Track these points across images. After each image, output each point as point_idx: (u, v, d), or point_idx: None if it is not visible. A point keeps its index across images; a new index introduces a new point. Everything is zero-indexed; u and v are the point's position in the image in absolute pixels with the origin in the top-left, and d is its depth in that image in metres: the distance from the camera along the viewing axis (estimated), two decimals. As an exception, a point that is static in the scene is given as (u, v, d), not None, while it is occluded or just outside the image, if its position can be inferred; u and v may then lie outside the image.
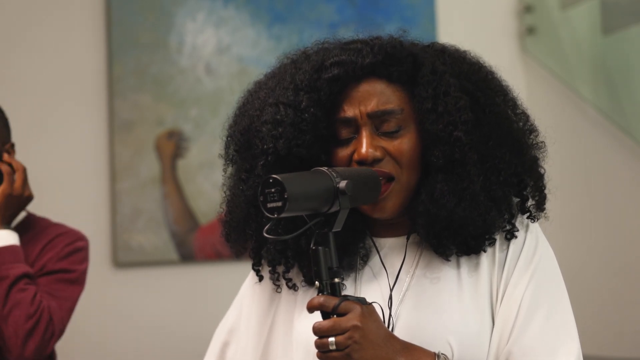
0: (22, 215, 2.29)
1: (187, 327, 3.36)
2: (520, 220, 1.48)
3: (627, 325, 3.32)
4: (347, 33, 1.53)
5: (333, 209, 1.29)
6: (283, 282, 1.52)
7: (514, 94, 1.51)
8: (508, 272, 1.44)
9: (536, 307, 1.41)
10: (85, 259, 2.30)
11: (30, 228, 2.28)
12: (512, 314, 1.41)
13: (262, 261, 1.54)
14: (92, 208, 3.33)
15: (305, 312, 1.46)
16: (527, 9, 3.91)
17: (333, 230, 1.29)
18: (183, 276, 3.44)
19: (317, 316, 1.31)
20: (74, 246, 2.28)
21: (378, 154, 1.41)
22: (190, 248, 3.45)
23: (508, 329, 1.41)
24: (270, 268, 1.53)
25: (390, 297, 1.44)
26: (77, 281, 2.28)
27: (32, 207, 2.34)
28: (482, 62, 1.51)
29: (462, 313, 1.41)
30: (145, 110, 3.41)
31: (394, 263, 1.47)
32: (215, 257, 3.45)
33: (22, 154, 2.39)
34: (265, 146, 1.43)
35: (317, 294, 1.28)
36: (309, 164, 1.40)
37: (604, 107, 3.56)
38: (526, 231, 1.48)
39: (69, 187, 3.31)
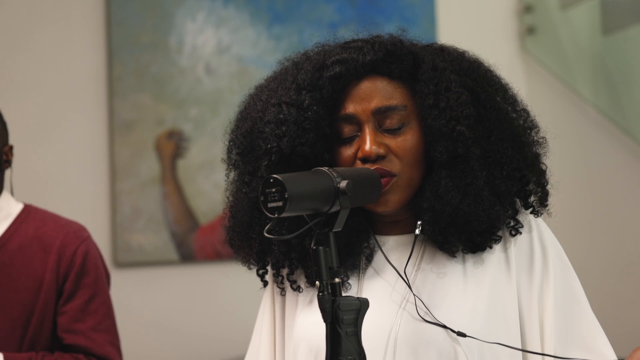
0: (19, 207, 2.17)
1: (187, 327, 3.36)
2: (524, 217, 1.48)
3: (626, 325, 3.32)
4: (347, 33, 1.53)
5: (334, 209, 1.28)
6: (287, 284, 1.52)
7: (514, 91, 1.52)
8: (519, 272, 1.45)
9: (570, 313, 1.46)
10: (96, 258, 2.22)
11: (29, 221, 2.15)
12: (545, 322, 1.45)
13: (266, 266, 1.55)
14: (92, 208, 3.33)
15: (307, 309, 1.46)
16: (527, 9, 3.91)
17: (334, 230, 1.28)
18: (183, 276, 3.44)
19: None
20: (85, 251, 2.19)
21: (381, 150, 1.41)
22: (190, 248, 3.45)
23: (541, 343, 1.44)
24: (274, 271, 1.53)
25: (407, 281, 1.44)
26: (104, 285, 2.21)
27: (32, 207, 2.33)
28: (481, 60, 1.52)
29: (469, 309, 1.41)
30: (145, 110, 3.41)
31: (397, 260, 1.47)
32: (215, 257, 3.45)
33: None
34: (269, 145, 1.43)
35: (318, 294, 1.28)
36: (312, 163, 1.40)
37: (604, 107, 3.56)
38: (531, 230, 1.49)
39: (69, 187, 3.31)
